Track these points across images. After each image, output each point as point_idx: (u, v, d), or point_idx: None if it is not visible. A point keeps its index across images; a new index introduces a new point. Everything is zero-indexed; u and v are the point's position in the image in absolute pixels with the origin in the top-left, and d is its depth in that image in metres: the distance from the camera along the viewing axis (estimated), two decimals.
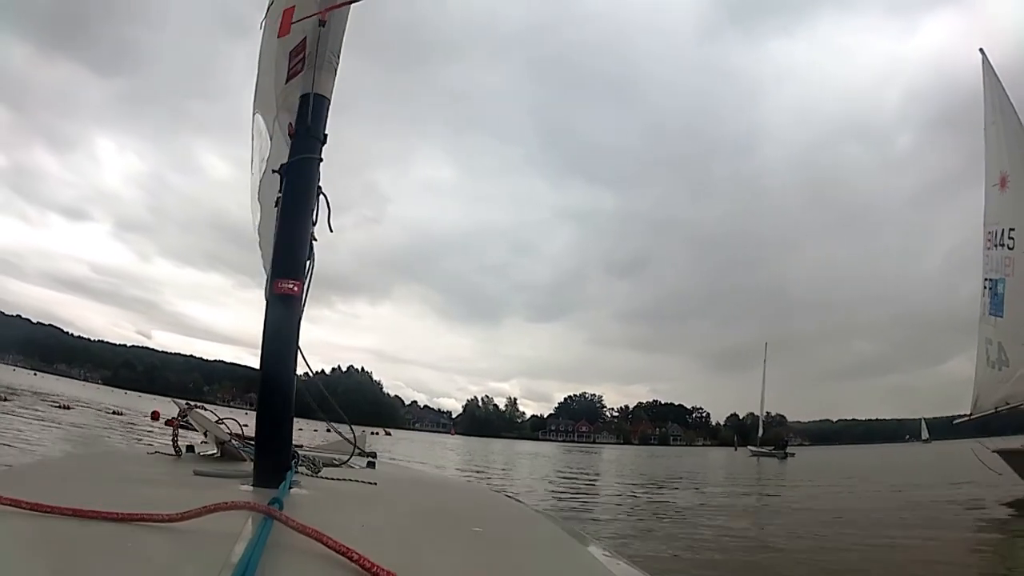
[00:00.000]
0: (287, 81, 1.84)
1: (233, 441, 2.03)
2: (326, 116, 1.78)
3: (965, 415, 14.82)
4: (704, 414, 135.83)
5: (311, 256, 1.70)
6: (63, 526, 0.96)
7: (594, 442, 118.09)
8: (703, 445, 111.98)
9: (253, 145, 2.28)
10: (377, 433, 56.60)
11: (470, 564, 1.10)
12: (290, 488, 1.41)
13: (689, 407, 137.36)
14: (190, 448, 2.20)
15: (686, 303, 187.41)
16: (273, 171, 1.76)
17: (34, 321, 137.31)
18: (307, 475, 1.73)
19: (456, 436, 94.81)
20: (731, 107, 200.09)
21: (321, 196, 1.73)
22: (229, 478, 1.58)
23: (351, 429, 2.22)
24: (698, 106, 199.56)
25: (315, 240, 1.72)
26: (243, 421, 2.31)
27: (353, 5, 1.84)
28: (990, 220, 14.95)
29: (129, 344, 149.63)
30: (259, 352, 1.62)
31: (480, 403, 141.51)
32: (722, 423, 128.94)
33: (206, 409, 2.36)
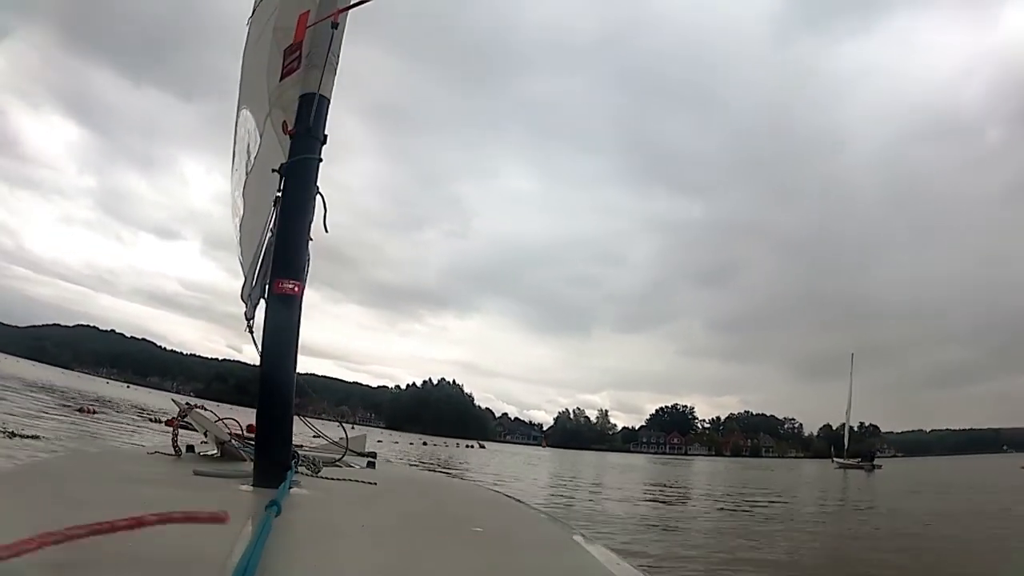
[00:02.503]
0: (281, 79, 1.84)
1: (233, 441, 2.03)
2: (326, 116, 1.78)
3: None
4: (796, 425, 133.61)
5: (308, 256, 1.70)
6: (62, 527, 0.96)
7: (685, 454, 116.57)
8: (796, 457, 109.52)
9: (236, 140, 2.27)
10: (472, 446, 56.98)
11: (470, 564, 1.10)
12: (290, 488, 1.41)
13: (781, 418, 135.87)
14: (190, 448, 2.21)
15: (775, 311, 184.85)
16: (273, 170, 1.75)
17: (128, 336, 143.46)
18: (307, 475, 1.73)
19: (547, 448, 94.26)
20: (810, 109, 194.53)
21: (319, 196, 1.73)
22: (229, 478, 1.58)
23: (344, 429, 2.23)
24: (777, 109, 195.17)
25: (311, 240, 1.72)
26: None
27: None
28: None
29: (221, 358, 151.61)
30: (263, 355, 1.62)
31: (571, 415, 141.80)
32: (815, 434, 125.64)
33: (206, 409, 2.37)
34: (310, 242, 1.72)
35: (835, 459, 56.88)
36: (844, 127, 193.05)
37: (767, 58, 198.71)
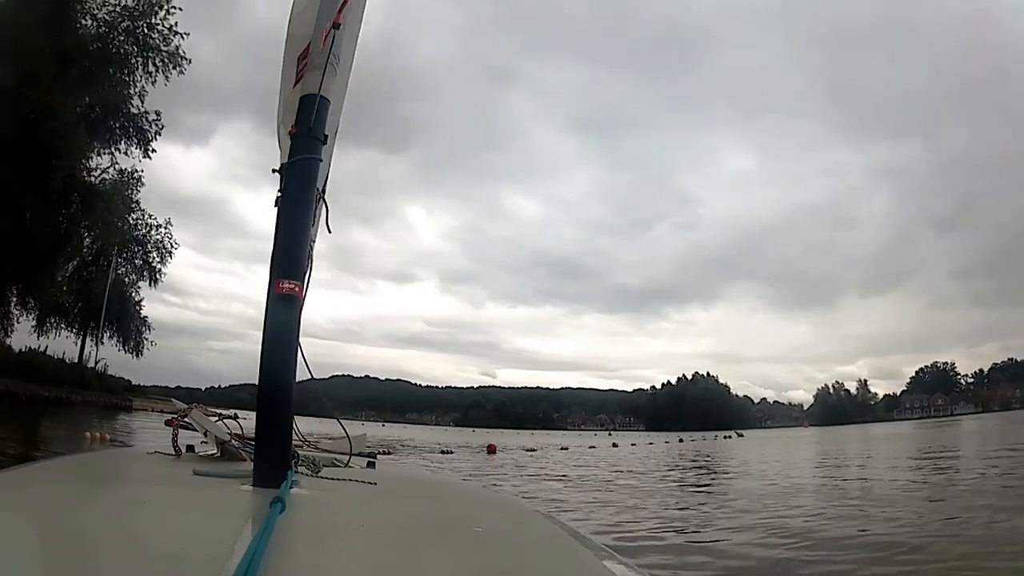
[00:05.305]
0: (294, 86, 1.86)
1: (233, 441, 2.03)
2: (327, 117, 1.78)
3: None
4: None
5: (310, 256, 1.70)
6: (62, 527, 0.96)
7: (951, 414, 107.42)
8: None
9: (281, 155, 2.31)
10: (729, 436, 54.88)
11: (470, 564, 1.10)
12: (290, 488, 1.41)
13: None
14: (190, 448, 2.21)
15: (1022, 244, 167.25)
16: (273, 171, 1.76)
17: (382, 378, 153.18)
18: (307, 475, 1.73)
19: (809, 428, 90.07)
20: (1013, 15, 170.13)
21: (320, 197, 1.74)
22: (229, 478, 1.58)
23: (344, 429, 2.23)
24: (975, 29, 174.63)
25: (313, 241, 1.72)
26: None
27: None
28: None
29: (476, 386, 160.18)
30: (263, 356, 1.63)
31: (830, 390, 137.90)
32: None
33: (207, 409, 2.37)
34: (312, 243, 1.73)
35: None
36: None
37: None
